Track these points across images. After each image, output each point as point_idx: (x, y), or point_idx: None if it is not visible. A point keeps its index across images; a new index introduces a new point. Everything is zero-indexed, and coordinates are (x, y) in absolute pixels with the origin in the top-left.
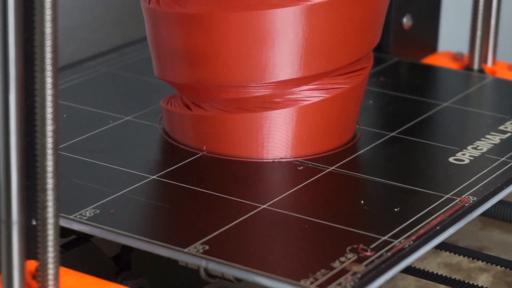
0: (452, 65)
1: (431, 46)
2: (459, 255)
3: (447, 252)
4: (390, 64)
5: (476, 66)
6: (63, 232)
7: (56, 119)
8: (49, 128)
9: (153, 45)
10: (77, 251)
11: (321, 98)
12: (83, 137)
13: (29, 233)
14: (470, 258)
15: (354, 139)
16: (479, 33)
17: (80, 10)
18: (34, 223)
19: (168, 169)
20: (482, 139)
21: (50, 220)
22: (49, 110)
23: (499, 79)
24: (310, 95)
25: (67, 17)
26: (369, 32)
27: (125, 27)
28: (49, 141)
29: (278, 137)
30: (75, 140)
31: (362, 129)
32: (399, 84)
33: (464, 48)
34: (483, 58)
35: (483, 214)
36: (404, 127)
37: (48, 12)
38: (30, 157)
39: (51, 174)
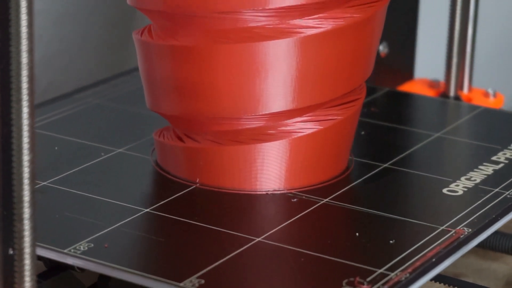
0: (429, 92)
1: (408, 73)
2: (435, 281)
3: None
4: (380, 94)
5: (452, 93)
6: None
7: (32, 148)
8: (26, 158)
9: (145, 77)
10: (54, 280)
11: (315, 129)
12: (75, 170)
13: (5, 263)
14: (447, 285)
15: (347, 170)
16: (455, 60)
17: (58, 39)
18: (11, 252)
19: (162, 202)
20: (475, 170)
21: (27, 249)
22: (25, 140)
23: (489, 109)
24: (304, 126)
25: (45, 45)
26: (362, 63)
27: (103, 56)
28: (26, 170)
29: (271, 169)
30: (67, 173)
31: (354, 160)
32: (390, 115)
33: (440, 75)
34: (459, 85)
35: (478, 245)
36: (397, 158)
37: (24, 43)
38: (7, 187)
39: (27, 203)
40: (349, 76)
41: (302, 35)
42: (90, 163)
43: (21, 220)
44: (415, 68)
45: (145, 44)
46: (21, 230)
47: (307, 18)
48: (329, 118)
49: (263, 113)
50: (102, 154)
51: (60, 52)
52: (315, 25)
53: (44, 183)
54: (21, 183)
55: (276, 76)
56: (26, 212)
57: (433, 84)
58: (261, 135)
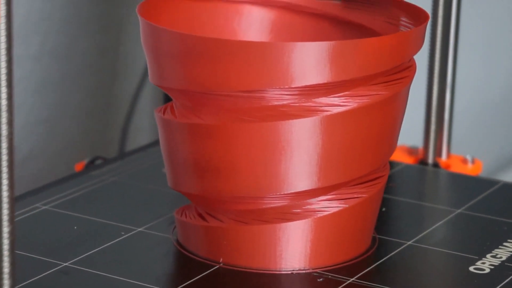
0: (407, 159)
1: None
2: None
3: None
4: (398, 169)
5: (430, 159)
6: None
7: (12, 220)
8: (6, 229)
9: (166, 155)
10: None
11: (340, 208)
12: (96, 249)
13: None
14: None
15: (372, 248)
16: (433, 126)
17: (38, 107)
18: None
19: (185, 283)
20: (500, 246)
21: None
22: (5, 212)
23: (508, 184)
24: (329, 205)
25: (25, 114)
26: (388, 141)
27: (84, 124)
28: (6, 242)
29: (296, 248)
30: (88, 253)
31: (378, 238)
32: (410, 190)
33: (418, 142)
34: (438, 152)
35: None
36: (421, 235)
37: (4, 115)
38: None
39: (7, 275)
40: (374, 154)
41: (328, 113)
42: (111, 242)
43: None
44: None
45: (167, 122)
46: None
47: (332, 96)
48: (354, 196)
49: (288, 192)
50: (123, 233)
51: (41, 120)
52: (340, 103)
53: (66, 264)
54: (1, 255)
55: (301, 154)
56: (6, 284)
57: (411, 150)
58: (286, 214)
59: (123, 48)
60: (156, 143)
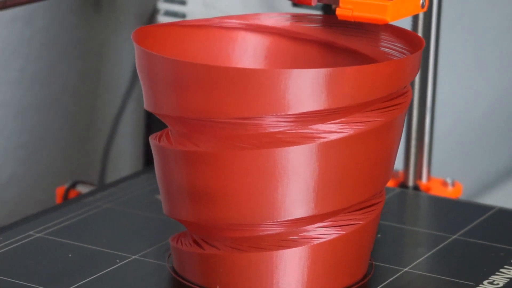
0: (388, 182)
1: None
2: None
3: None
4: (392, 194)
5: (411, 182)
6: None
7: None
8: None
9: (162, 183)
10: None
11: (337, 235)
12: (90, 278)
13: None
14: None
15: (369, 275)
16: (413, 150)
17: (19, 131)
18: None
19: None
20: (497, 273)
21: None
22: None
23: (503, 210)
24: (326, 232)
25: (6, 138)
26: (383, 168)
27: (64, 148)
28: None
29: (293, 276)
30: (82, 282)
31: (374, 264)
32: (402, 215)
33: (399, 165)
34: (418, 175)
35: None
36: (417, 262)
37: None
38: None
39: None
40: (371, 181)
41: (324, 140)
42: (106, 270)
43: None
44: None
45: (162, 149)
46: None
47: (328, 122)
48: (351, 223)
49: (284, 219)
50: (117, 260)
51: (22, 144)
52: (337, 130)
53: None
54: None
55: (298, 182)
56: None
57: (392, 174)
58: (282, 241)
59: (103, 72)
60: (148, 169)
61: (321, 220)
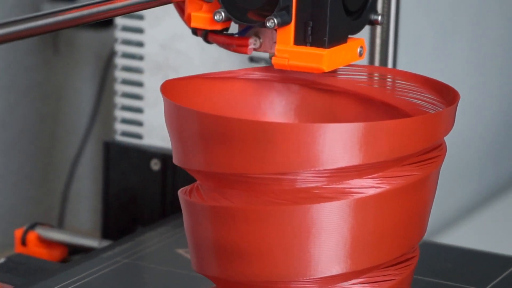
0: None
1: None
2: None
3: None
4: None
5: None
6: None
7: None
8: None
9: (192, 238)
10: None
11: None
12: None
13: None
14: None
15: None
16: None
17: None
18: None
19: None
20: None
21: None
22: None
23: None
24: None
25: None
26: (420, 222)
27: (23, 189)
28: None
29: None
30: None
31: None
32: (430, 269)
33: None
34: None
35: None
36: None
37: None
38: None
39: None
40: (407, 236)
41: (361, 195)
42: None
43: None
44: None
45: (193, 205)
46: None
47: (365, 177)
48: (387, 279)
49: (319, 276)
50: None
51: None
52: (374, 185)
53: None
54: None
55: (334, 238)
56: None
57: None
58: None
59: (62, 113)
60: (165, 222)
61: (356, 277)
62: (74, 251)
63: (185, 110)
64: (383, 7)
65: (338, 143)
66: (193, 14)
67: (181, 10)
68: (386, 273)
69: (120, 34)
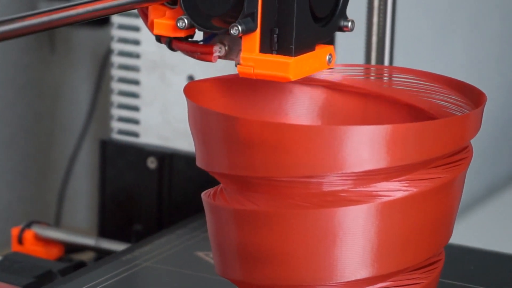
0: None
1: None
2: None
3: None
4: None
5: None
6: None
7: None
8: None
9: (215, 241)
10: None
11: None
12: None
13: None
14: None
15: None
16: None
17: None
18: None
19: None
20: None
21: None
22: None
23: None
24: None
25: None
26: (446, 225)
27: (20, 187)
28: None
29: None
30: None
31: None
32: (454, 272)
33: None
34: None
35: None
36: None
37: None
38: None
39: None
40: (434, 239)
41: (388, 198)
42: None
43: None
44: None
45: (217, 208)
46: None
47: (392, 180)
48: (413, 283)
49: (345, 280)
50: None
51: None
52: (401, 188)
53: None
54: None
55: (360, 241)
56: None
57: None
58: None
59: (59, 112)
60: (184, 224)
61: (382, 281)
62: (70, 249)
63: (209, 112)
64: (379, 4)
65: (365, 145)
66: (155, 20)
67: (144, 16)
68: (412, 277)
69: (116, 32)
